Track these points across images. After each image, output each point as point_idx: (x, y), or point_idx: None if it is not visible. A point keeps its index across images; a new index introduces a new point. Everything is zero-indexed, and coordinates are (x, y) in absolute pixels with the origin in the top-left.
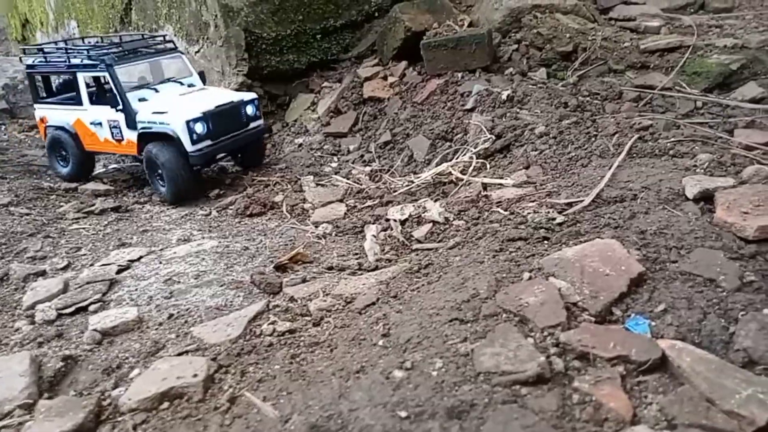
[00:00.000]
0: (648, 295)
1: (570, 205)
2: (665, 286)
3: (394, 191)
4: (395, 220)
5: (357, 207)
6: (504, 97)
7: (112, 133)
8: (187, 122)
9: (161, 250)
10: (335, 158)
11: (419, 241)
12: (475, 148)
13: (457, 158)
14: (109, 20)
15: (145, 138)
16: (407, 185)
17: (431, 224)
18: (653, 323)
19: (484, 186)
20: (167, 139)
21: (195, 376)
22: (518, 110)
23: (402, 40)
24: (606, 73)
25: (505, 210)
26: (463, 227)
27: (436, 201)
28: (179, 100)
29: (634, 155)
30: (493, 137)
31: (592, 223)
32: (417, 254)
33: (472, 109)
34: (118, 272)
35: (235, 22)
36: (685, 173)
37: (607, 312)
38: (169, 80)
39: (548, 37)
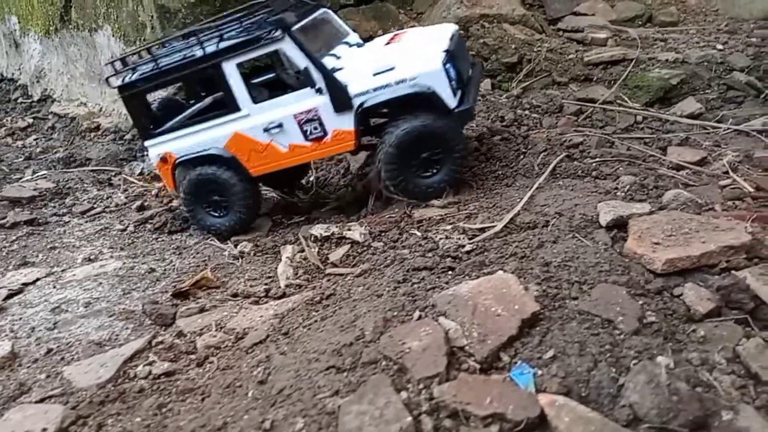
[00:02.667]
0: (539, 339)
1: (482, 230)
2: (560, 328)
3: (325, 207)
4: (312, 242)
5: (284, 223)
6: None
7: (306, 132)
8: (444, 64)
9: (62, 271)
10: None
11: (334, 265)
12: None
13: None
14: (49, 17)
15: (369, 115)
16: (337, 200)
17: (350, 246)
18: (539, 372)
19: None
20: (410, 106)
21: (44, 430)
22: None
23: None
24: (550, 86)
25: (422, 233)
26: (380, 250)
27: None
28: (390, 52)
29: (558, 175)
30: None
31: (499, 252)
32: (328, 280)
33: None
34: (7, 298)
35: (172, 23)
36: (604, 197)
37: (494, 358)
38: (333, 44)
39: (494, 48)
